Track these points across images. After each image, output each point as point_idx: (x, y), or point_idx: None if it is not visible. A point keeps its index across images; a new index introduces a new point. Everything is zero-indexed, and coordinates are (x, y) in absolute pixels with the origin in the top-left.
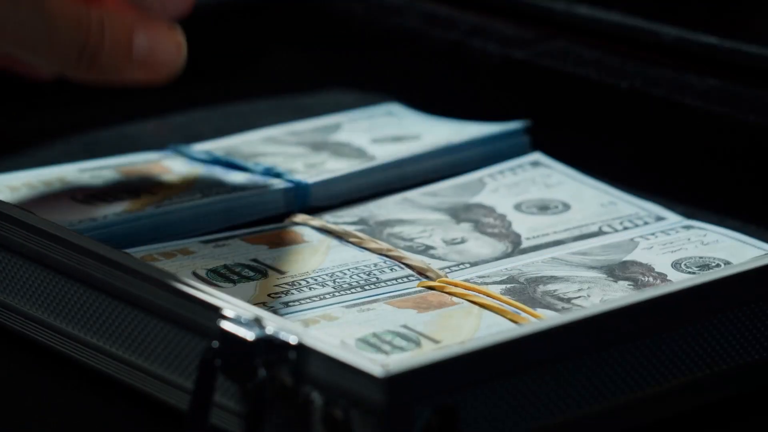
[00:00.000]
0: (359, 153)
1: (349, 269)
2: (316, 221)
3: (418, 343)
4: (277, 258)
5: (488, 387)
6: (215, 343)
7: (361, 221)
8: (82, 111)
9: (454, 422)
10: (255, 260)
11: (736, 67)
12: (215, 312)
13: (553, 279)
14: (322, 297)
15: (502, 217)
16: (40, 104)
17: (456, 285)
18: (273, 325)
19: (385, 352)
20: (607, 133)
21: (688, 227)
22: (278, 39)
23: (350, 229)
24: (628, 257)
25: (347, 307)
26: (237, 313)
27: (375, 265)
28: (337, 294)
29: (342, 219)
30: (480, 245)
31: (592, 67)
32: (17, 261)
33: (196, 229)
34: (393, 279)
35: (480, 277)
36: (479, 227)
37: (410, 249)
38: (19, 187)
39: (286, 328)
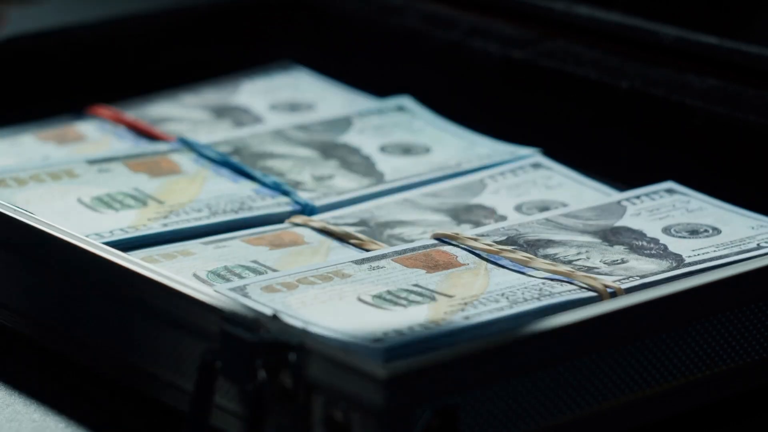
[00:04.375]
0: (367, 166)
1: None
2: (317, 222)
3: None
4: (277, 259)
5: (488, 388)
6: (216, 345)
7: (361, 222)
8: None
9: (455, 423)
10: (255, 262)
11: (736, 67)
12: (216, 314)
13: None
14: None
15: (503, 218)
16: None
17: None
18: (273, 327)
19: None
20: (607, 133)
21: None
22: (278, 39)
23: (351, 230)
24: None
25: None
26: (237, 315)
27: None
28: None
29: (343, 220)
30: None
31: (592, 67)
32: (17, 261)
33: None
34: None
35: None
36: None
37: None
38: (27, 180)
39: (287, 330)
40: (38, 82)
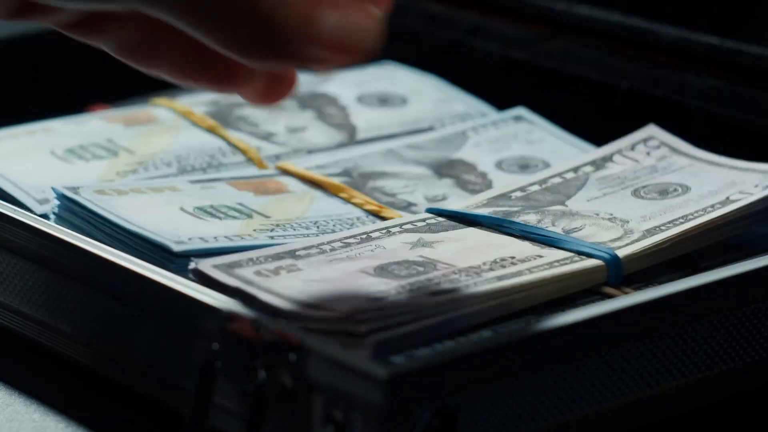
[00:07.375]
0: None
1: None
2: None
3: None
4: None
5: (489, 388)
6: (216, 345)
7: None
8: None
9: (455, 424)
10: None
11: (736, 67)
12: (216, 314)
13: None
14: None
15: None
16: None
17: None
18: (273, 326)
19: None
20: (607, 133)
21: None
22: None
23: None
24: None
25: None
26: (237, 315)
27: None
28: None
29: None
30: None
31: (592, 67)
32: (17, 261)
33: None
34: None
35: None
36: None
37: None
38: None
39: (287, 330)
40: (38, 82)
